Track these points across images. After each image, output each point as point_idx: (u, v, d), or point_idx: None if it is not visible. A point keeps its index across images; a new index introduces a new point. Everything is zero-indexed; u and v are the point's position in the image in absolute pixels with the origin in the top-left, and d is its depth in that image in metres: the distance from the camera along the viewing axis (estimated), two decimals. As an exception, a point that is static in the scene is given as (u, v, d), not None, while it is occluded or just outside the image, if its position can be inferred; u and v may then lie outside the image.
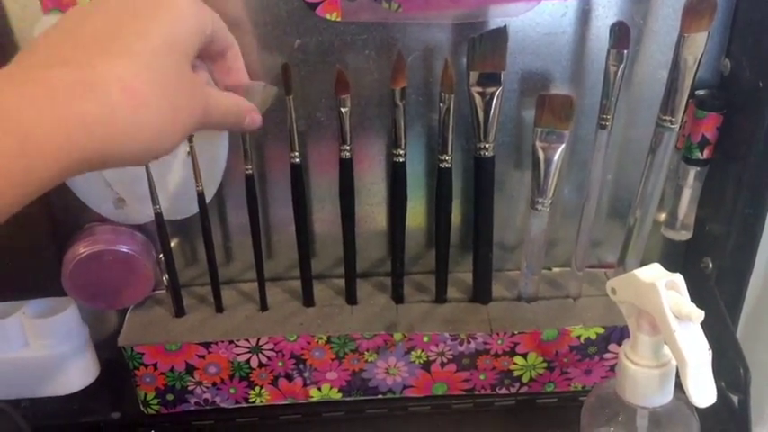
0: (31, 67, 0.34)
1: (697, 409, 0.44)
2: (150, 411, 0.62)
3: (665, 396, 0.48)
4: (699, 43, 0.50)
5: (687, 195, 0.59)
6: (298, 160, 0.55)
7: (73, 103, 0.32)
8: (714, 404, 0.44)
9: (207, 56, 0.44)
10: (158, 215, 0.56)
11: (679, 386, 0.45)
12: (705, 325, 0.45)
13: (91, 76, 0.33)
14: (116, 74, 0.34)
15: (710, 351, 0.44)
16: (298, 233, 0.58)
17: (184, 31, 0.38)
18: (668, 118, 0.53)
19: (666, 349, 0.47)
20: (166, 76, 0.36)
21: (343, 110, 0.53)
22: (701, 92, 0.56)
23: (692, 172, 0.58)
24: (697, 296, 0.47)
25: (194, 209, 0.57)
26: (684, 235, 0.61)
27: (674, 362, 0.47)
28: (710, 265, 0.60)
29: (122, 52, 0.35)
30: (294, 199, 0.57)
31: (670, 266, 0.48)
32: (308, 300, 0.61)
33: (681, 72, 0.51)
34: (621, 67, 0.52)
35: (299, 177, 0.56)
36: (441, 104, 0.53)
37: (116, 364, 0.61)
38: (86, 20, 0.37)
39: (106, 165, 0.35)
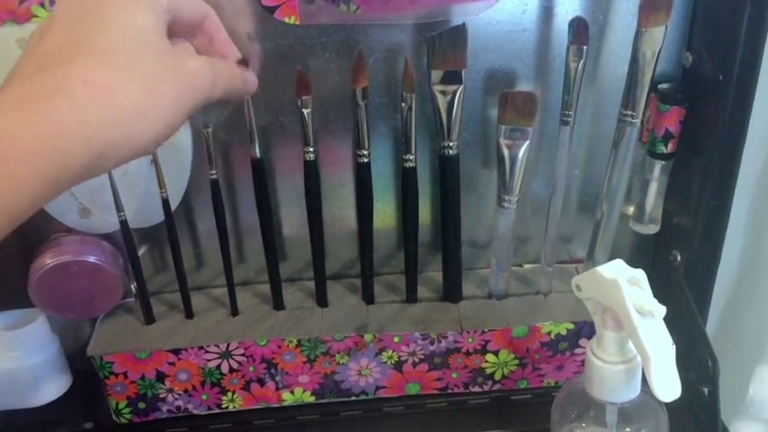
0: (11, 78, 0.35)
1: (667, 402, 0.44)
2: (123, 420, 0.62)
3: (633, 391, 0.48)
4: (657, 37, 0.50)
5: (654, 189, 0.60)
6: (258, 155, 0.55)
7: (42, 105, 0.33)
8: (684, 396, 0.44)
9: (182, 32, 0.44)
10: (123, 223, 0.55)
11: (646, 381, 0.45)
12: (674, 317, 0.45)
13: (55, 81, 0.34)
14: (76, 73, 0.34)
15: (674, 346, 0.45)
16: (264, 237, 0.58)
17: (141, 16, 0.38)
18: (629, 112, 0.53)
19: (632, 345, 0.47)
20: (130, 61, 0.36)
21: (305, 111, 0.53)
22: (663, 85, 0.56)
23: (658, 165, 0.58)
24: (666, 289, 0.47)
25: (161, 216, 0.57)
26: (652, 228, 0.61)
27: (639, 357, 0.47)
28: (679, 258, 0.60)
29: (80, 53, 0.35)
30: (258, 201, 0.57)
31: (639, 260, 0.49)
32: (278, 303, 0.61)
33: (640, 66, 0.51)
34: (582, 62, 0.52)
35: (261, 177, 0.56)
36: (403, 104, 0.53)
37: (88, 374, 0.61)
38: (45, 35, 0.37)
39: (105, 163, 0.35)
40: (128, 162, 0.37)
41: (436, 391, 0.63)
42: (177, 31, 0.43)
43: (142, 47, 0.37)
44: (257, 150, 0.55)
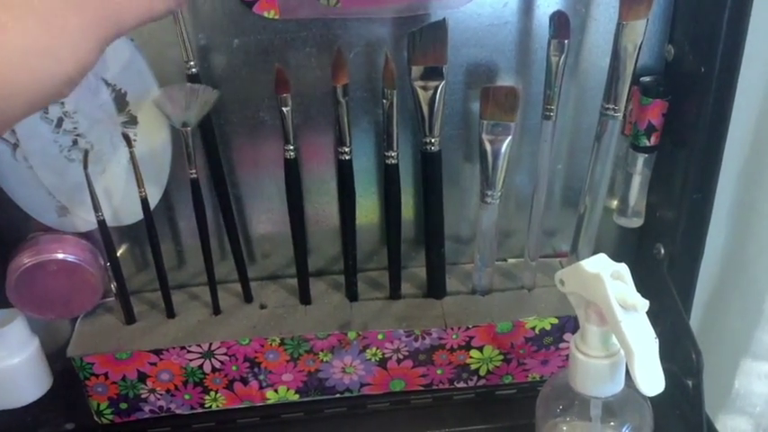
0: None
1: (651, 396, 0.44)
2: (104, 421, 0.61)
3: (617, 385, 0.48)
4: (638, 31, 0.50)
5: (637, 182, 0.60)
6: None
7: None
8: (668, 389, 0.44)
9: None
10: (101, 222, 0.55)
11: (630, 375, 0.45)
12: (657, 310, 0.45)
13: None
14: None
15: (657, 340, 0.44)
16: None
17: None
18: (611, 106, 0.53)
19: (615, 339, 0.47)
20: None
21: (284, 109, 0.52)
22: (646, 78, 0.56)
23: (641, 159, 0.58)
24: (650, 282, 0.47)
25: (140, 214, 0.56)
26: (636, 222, 0.61)
27: (623, 351, 0.47)
28: (662, 251, 0.60)
29: None
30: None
31: (623, 253, 0.48)
32: (257, 300, 0.61)
33: (621, 60, 0.51)
34: (563, 56, 0.51)
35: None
36: (384, 100, 0.53)
37: (69, 375, 0.60)
38: None
39: (13, 106, 0.33)
40: (46, 105, 0.35)
41: (421, 388, 0.62)
42: None
43: None
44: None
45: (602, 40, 0.55)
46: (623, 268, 0.45)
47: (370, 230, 0.62)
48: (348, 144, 0.54)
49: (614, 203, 0.62)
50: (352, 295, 0.61)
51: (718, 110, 0.52)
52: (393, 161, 0.55)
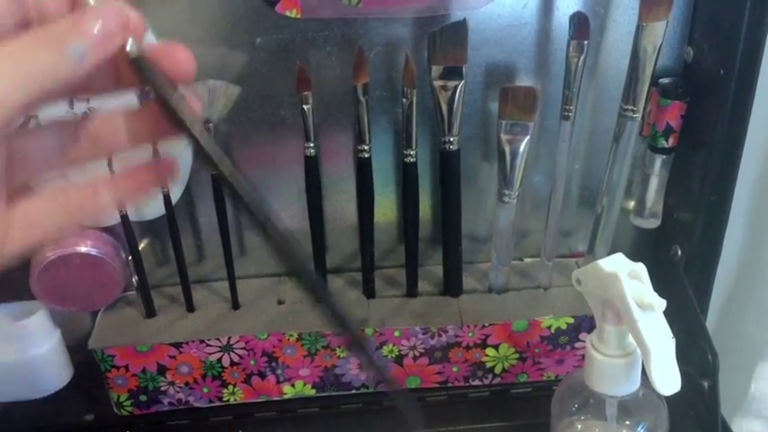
0: None
1: (667, 395, 0.44)
2: (124, 413, 0.62)
3: (633, 385, 0.48)
4: (657, 32, 0.50)
5: (654, 183, 0.60)
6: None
7: None
8: (684, 390, 0.44)
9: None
10: (124, 217, 0.56)
11: (647, 374, 0.45)
12: (673, 311, 0.45)
13: None
14: None
15: (674, 339, 0.45)
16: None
17: None
18: (630, 107, 0.53)
19: (632, 338, 0.47)
20: None
21: (305, 107, 0.53)
22: (664, 80, 0.56)
23: (659, 160, 0.58)
24: (666, 283, 0.47)
25: (162, 209, 0.57)
26: (653, 223, 0.62)
27: (639, 351, 0.47)
28: (679, 253, 0.60)
29: None
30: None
31: (640, 254, 0.48)
32: (279, 297, 0.61)
33: (641, 61, 0.51)
34: (582, 57, 0.52)
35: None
36: (404, 99, 0.53)
37: (89, 367, 0.61)
38: None
39: None
40: None
41: (436, 385, 0.63)
42: None
43: None
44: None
45: (621, 41, 0.55)
46: (641, 268, 0.45)
47: (388, 228, 0.63)
48: (367, 142, 0.55)
49: (631, 204, 0.62)
50: (370, 292, 0.62)
51: (737, 112, 0.53)
52: (412, 159, 0.56)
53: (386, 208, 0.62)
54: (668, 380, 0.44)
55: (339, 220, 0.62)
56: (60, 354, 0.62)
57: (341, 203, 0.61)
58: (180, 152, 0.55)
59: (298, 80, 0.52)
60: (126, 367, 0.59)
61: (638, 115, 0.53)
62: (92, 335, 0.59)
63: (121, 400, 0.61)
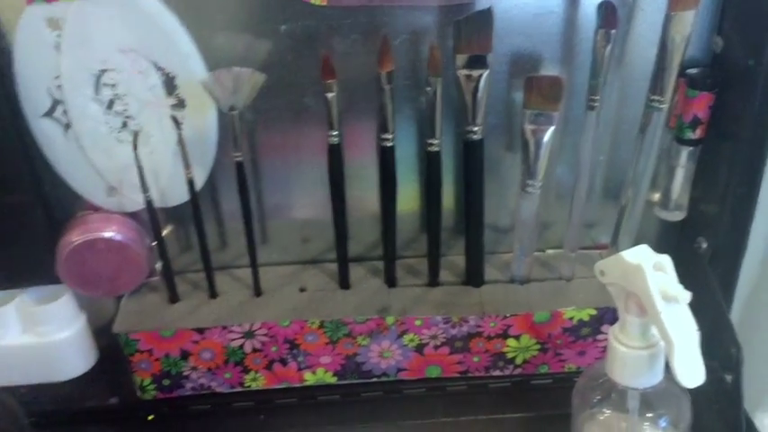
0: None
1: (690, 388, 0.44)
2: (147, 397, 0.63)
3: (655, 377, 0.48)
4: (686, 22, 0.49)
5: (680, 175, 0.59)
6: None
7: None
8: (707, 383, 0.43)
9: None
10: (149, 203, 0.56)
11: (670, 367, 0.45)
12: (698, 304, 0.44)
13: None
14: None
15: (699, 332, 0.44)
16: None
17: None
18: (657, 98, 0.52)
19: (655, 330, 0.47)
20: None
21: (329, 95, 0.53)
22: (692, 70, 0.56)
23: (685, 152, 0.58)
24: (691, 276, 0.47)
25: (186, 195, 0.57)
26: (678, 215, 0.61)
27: (662, 343, 0.47)
28: (704, 245, 0.60)
29: None
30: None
31: (664, 247, 0.48)
32: (301, 285, 0.62)
33: (669, 51, 0.51)
34: (609, 46, 0.51)
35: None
36: (428, 88, 0.53)
37: (113, 351, 0.62)
38: None
39: None
40: None
41: (457, 375, 0.63)
42: None
43: None
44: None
45: (649, 30, 0.54)
46: (665, 259, 0.45)
47: (410, 218, 0.63)
48: (391, 131, 0.55)
49: (656, 196, 0.61)
50: (391, 281, 0.62)
51: (766, 103, 0.52)
52: (435, 148, 0.55)
53: (408, 197, 0.62)
54: (692, 372, 0.44)
55: (361, 209, 0.62)
56: (85, 338, 0.63)
57: (363, 192, 0.61)
58: (205, 135, 0.56)
59: (322, 68, 0.52)
60: (150, 352, 0.60)
61: (666, 106, 0.53)
62: (116, 319, 0.60)
63: (145, 384, 0.62)
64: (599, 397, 0.52)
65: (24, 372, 0.62)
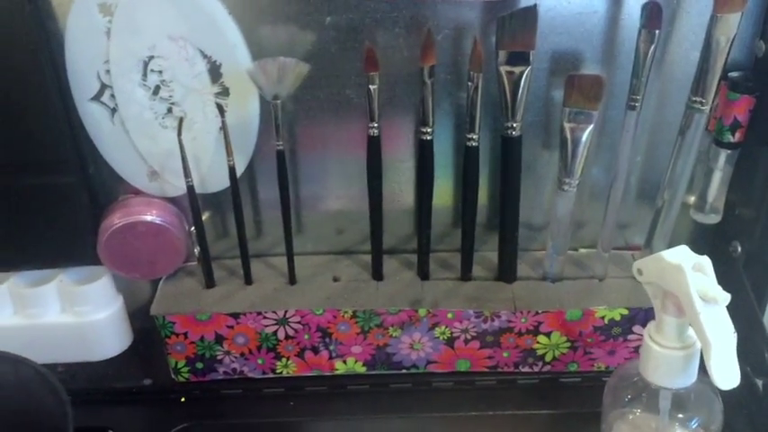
0: None
1: (721, 392, 0.44)
2: (181, 379, 0.64)
3: (689, 378, 0.48)
4: (731, 24, 0.49)
5: (717, 178, 0.59)
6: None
7: None
8: (738, 388, 0.43)
9: None
10: (190, 188, 0.57)
11: (703, 368, 0.45)
12: (732, 308, 0.44)
13: None
14: None
15: (735, 334, 0.44)
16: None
17: None
18: (699, 99, 0.52)
19: (691, 331, 0.47)
20: None
21: (371, 87, 0.53)
22: (734, 74, 0.56)
23: (723, 155, 0.58)
24: (724, 280, 0.47)
25: (225, 183, 0.58)
26: (714, 218, 0.61)
27: (698, 344, 0.47)
28: (739, 249, 0.60)
29: None
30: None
31: (698, 249, 0.48)
32: (335, 275, 0.62)
33: (712, 53, 0.50)
34: (653, 47, 0.51)
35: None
36: (469, 83, 0.53)
37: (148, 333, 0.63)
38: None
39: None
40: None
41: (486, 369, 0.63)
42: None
43: None
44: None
45: (692, 32, 0.55)
46: (705, 260, 0.45)
47: (444, 212, 0.63)
48: (431, 125, 0.55)
49: (692, 199, 0.61)
50: (424, 274, 0.62)
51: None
52: (474, 143, 0.56)
53: (443, 191, 0.62)
54: (728, 374, 0.44)
55: (396, 202, 0.63)
56: (122, 319, 0.64)
57: (399, 185, 0.62)
58: (247, 123, 0.57)
59: (365, 60, 0.53)
60: (185, 334, 0.61)
61: (707, 108, 0.52)
62: (154, 301, 0.61)
63: (179, 366, 0.63)
64: (630, 396, 0.52)
65: (62, 350, 0.63)
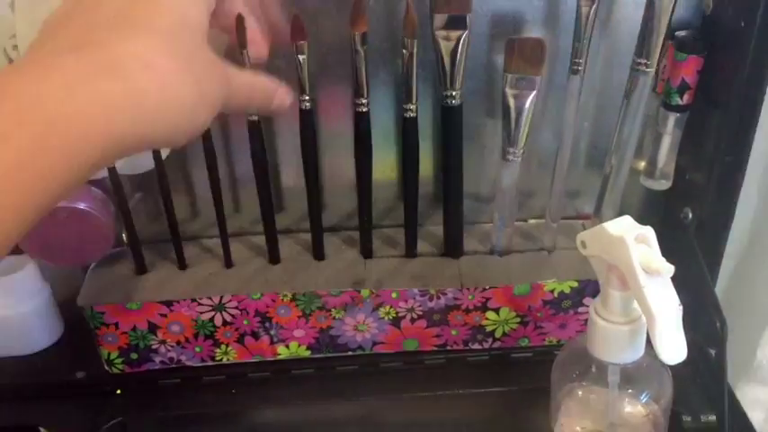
0: (43, 57, 0.31)
1: (671, 364, 0.43)
2: (115, 371, 0.61)
3: (637, 352, 0.47)
4: (675, -20, 0.47)
5: (667, 143, 0.57)
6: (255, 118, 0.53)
7: (94, 85, 0.30)
8: (690, 357, 0.42)
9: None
10: (112, 170, 0.54)
11: (651, 342, 0.43)
12: (683, 276, 0.43)
13: (109, 57, 0.31)
14: (135, 51, 0.31)
15: (681, 307, 0.43)
16: (260, 188, 0.56)
17: (194, 8, 0.36)
18: (643, 61, 0.50)
19: (636, 305, 0.45)
20: (185, 51, 0.34)
21: (300, 57, 0.50)
22: (681, 33, 0.53)
23: (672, 118, 0.56)
24: (676, 247, 0.46)
25: (152, 164, 0.55)
26: (664, 184, 0.59)
27: (644, 318, 0.45)
28: (690, 216, 0.58)
29: (137, 31, 0.32)
30: (253, 152, 0.54)
31: (649, 217, 0.47)
32: (274, 256, 0.60)
33: (656, 12, 0.48)
34: (594, 7, 0.49)
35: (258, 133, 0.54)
36: (404, 50, 0.50)
37: (81, 324, 0.60)
38: (85, 12, 0.34)
39: (137, 149, 0.32)
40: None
41: (434, 348, 0.61)
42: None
43: (194, 39, 0.35)
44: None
45: (637, -10, 0.52)
46: (648, 231, 0.43)
47: (387, 186, 0.61)
48: (365, 96, 0.52)
49: (641, 165, 0.60)
50: (367, 252, 0.60)
51: (757, 68, 0.50)
52: (412, 114, 0.53)
53: (385, 165, 0.60)
54: (673, 349, 0.42)
55: (336, 177, 0.60)
56: (50, 309, 0.61)
57: (339, 159, 0.59)
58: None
59: (292, 29, 0.49)
60: (116, 325, 0.58)
61: (652, 70, 0.50)
62: (81, 291, 0.58)
63: (112, 357, 0.60)
64: (579, 371, 0.50)
65: (-13, 345, 0.60)
